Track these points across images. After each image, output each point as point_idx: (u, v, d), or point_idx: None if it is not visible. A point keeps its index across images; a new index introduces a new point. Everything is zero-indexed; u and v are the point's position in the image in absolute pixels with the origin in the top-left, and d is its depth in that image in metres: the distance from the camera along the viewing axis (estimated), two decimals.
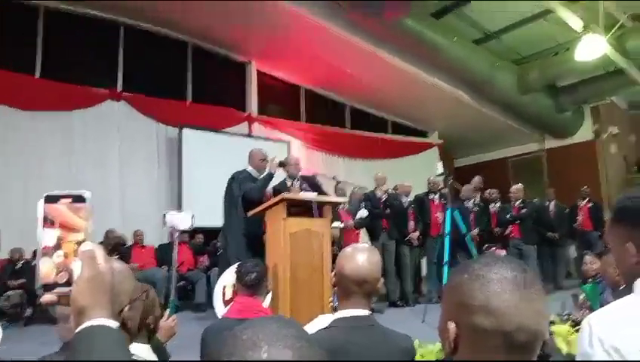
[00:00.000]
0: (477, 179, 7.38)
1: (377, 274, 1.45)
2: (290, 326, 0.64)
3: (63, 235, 0.74)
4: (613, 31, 7.06)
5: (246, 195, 4.39)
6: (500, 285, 0.74)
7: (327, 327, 1.36)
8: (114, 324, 0.70)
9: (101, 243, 6.04)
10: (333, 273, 1.48)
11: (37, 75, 7.07)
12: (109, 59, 7.74)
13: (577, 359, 1.28)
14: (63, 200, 0.75)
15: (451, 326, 0.76)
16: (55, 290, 0.73)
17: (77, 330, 0.68)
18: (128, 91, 7.70)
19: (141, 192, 7.54)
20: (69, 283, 0.72)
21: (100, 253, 0.72)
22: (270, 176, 4.52)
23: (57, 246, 0.74)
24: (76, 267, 0.72)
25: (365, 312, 1.41)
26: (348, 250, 1.50)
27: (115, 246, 6.20)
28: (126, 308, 0.99)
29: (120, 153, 7.45)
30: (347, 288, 1.42)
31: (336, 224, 5.85)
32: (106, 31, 7.72)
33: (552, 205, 7.95)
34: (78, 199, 0.76)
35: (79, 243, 0.74)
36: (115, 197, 7.23)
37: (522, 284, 0.75)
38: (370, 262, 1.43)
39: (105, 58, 7.74)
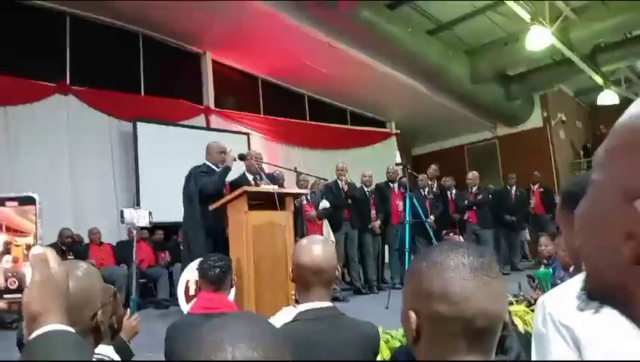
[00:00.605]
0: (433, 168, 7.57)
1: (334, 262, 1.46)
2: (256, 325, 0.64)
3: (10, 239, 0.71)
4: (557, 23, 7.35)
5: (203, 190, 4.31)
6: (458, 271, 0.74)
7: (291, 321, 1.37)
8: (70, 329, 0.67)
9: (55, 243, 5.82)
10: (291, 268, 1.48)
11: None
12: (56, 52, 7.35)
13: (533, 338, 1.35)
14: (9, 203, 0.72)
15: (412, 315, 0.76)
16: (5, 297, 0.70)
17: (30, 337, 0.65)
18: (77, 85, 7.36)
19: (95, 190, 7.28)
20: (20, 288, 0.69)
21: (52, 256, 0.69)
22: (227, 170, 4.46)
23: (6, 251, 0.71)
24: (27, 272, 0.69)
25: (327, 303, 1.42)
26: (303, 242, 1.50)
27: (70, 246, 6.00)
28: (99, 312, 0.96)
29: (71, 149, 7.13)
30: (306, 280, 1.42)
31: (323, 204, 5.88)
32: (52, 22, 7.32)
33: (513, 189, 8.27)
34: (26, 201, 0.73)
35: (29, 246, 0.71)
36: (67, 195, 6.94)
37: (480, 269, 0.74)
38: (325, 251, 1.44)
39: (51, 50, 7.34)
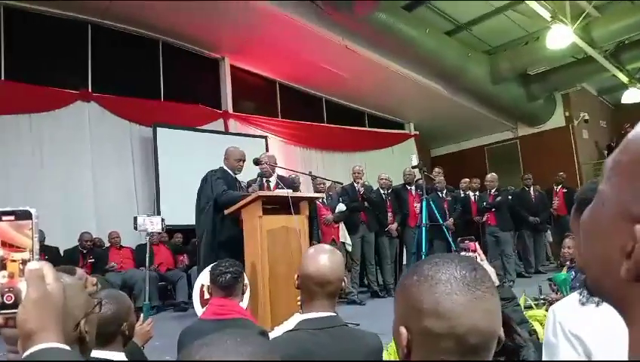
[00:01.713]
0: (436, 170, 7.47)
1: (340, 273, 1.44)
2: (248, 343, 0.63)
3: (6, 255, 0.70)
4: (579, 21, 7.20)
5: (219, 200, 4.29)
6: (449, 286, 0.71)
7: (292, 330, 1.35)
8: (66, 347, 0.66)
9: (75, 247, 5.93)
10: (296, 275, 1.46)
11: (2, 77, 6.85)
12: (78, 60, 7.53)
13: (543, 347, 1.31)
14: (5, 218, 0.71)
15: (403, 331, 0.73)
16: (1, 312, 0.69)
17: (24, 355, 0.64)
18: (99, 92, 7.52)
19: (117, 194, 7.41)
20: (16, 303, 0.68)
21: (49, 272, 0.69)
22: (247, 196, 4.43)
23: (1, 266, 0.70)
24: (23, 287, 0.68)
25: (330, 313, 1.40)
26: (310, 251, 1.48)
27: (90, 249, 6.10)
28: (82, 322, 0.97)
29: (93, 155, 7.28)
30: (311, 290, 1.40)
31: (340, 208, 5.85)
32: (73, 31, 7.50)
33: (532, 190, 8.10)
34: (23, 216, 0.72)
35: (25, 262, 0.70)
36: (89, 200, 7.09)
37: (473, 284, 0.72)
38: (332, 261, 1.42)
39: (73, 58, 7.52)
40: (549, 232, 8.69)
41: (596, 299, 0.49)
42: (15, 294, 0.69)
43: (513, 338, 0.93)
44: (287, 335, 1.29)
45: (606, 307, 0.99)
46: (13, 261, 0.71)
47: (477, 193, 7.54)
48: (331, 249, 1.48)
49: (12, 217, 0.72)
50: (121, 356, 1.68)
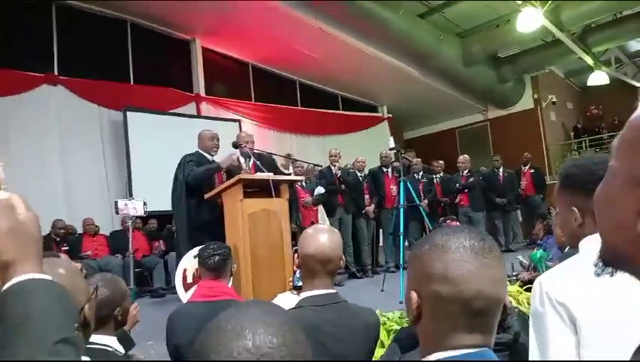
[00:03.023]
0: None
1: (340, 252, 1.49)
2: (272, 312, 0.65)
3: None
4: (548, 4, 7.34)
5: (188, 181, 4.26)
6: (458, 253, 0.76)
7: (295, 307, 1.39)
8: (48, 277, 0.63)
9: (48, 234, 5.79)
10: (296, 255, 1.50)
11: None
12: (42, 41, 7.21)
13: (531, 317, 1.38)
14: None
15: (413, 295, 0.78)
16: None
17: (4, 288, 0.61)
18: (65, 75, 7.24)
19: (87, 180, 7.22)
20: None
21: (19, 202, 0.66)
22: (217, 168, 4.41)
23: None
24: None
25: (331, 290, 1.45)
26: (309, 231, 1.53)
27: (64, 237, 5.97)
28: (86, 307, 0.96)
29: (61, 140, 7.04)
30: (312, 268, 1.45)
31: (319, 190, 5.88)
32: (37, 10, 7.17)
33: (500, 171, 8.29)
34: None
35: None
36: (59, 187, 6.88)
37: (480, 252, 0.77)
38: (332, 240, 1.47)
39: (37, 40, 7.19)
40: (518, 212, 8.94)
41: (610, 270, 0.56)
42: None
43: None
44: (292, 312, 1.32)
45: (596, 278, 1.04)
46: None
47: (439, 175, 7.67)
48: (330, 228, 1.54)
49: None
50: (114, 340, 1.68)
